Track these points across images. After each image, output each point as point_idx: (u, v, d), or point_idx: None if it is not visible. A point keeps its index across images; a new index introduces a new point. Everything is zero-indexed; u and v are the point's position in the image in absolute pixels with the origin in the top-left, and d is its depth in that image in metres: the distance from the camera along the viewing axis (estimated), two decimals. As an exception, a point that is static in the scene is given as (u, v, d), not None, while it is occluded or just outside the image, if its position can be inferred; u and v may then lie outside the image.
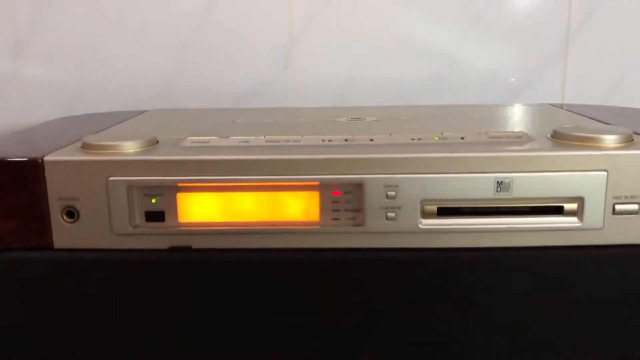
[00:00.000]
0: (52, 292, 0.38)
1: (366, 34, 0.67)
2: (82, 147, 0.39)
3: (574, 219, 0.36)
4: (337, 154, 0.36)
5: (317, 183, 0.36)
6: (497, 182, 0.35)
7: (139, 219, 0.37)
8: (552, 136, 0.39)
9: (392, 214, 0.36)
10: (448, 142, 0.38)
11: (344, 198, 0.37)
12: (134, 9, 0.66)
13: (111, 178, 0.37)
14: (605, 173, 0.35)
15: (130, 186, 0.37)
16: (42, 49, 0.68)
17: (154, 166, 0.37)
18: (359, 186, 0.36)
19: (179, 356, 0.38)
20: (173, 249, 0.37)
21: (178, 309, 0.38)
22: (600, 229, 0.36)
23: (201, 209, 0.37)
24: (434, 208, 0.36)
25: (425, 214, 0.36)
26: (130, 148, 0.38)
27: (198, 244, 0.37)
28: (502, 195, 0.36)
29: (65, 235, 0.38)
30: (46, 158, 0.37)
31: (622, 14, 0.66)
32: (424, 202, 0.36)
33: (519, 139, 0.39)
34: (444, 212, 0.36)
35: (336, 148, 0.38)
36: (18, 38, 0.67)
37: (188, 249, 0.37)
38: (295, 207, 0.37)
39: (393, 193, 0.36)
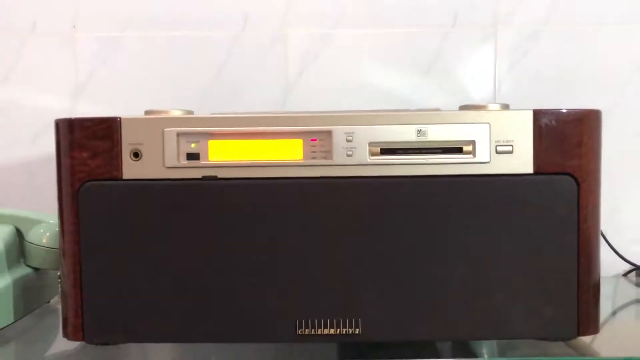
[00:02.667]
0: (122, 211, 0.56)
1: (344, 81, 0.88)
2: (145, 114, 0.58)
3: (470, 156, 0.55)
4: (315, 114, 0.56)
5: (301, 131, 0.55)
6: (417, 130, 0.54)
7: (182, 158, 0.56)
8: (458, 109, 0.58)
9: (351, 152, 0.55)
10: (388, 110, 0.58)
11: (319, 143, 0.55)
12: (166, 65, 0.88)
13: (166, 129, 0.55)
14: (488, 125, 0.54)
15: (178, 134, 0.55)
16: (96, 92, 0.88)
17: (195, 121, 0.56)
18: (328, 134, 0.55)
19: (211, 254, 0.55)
20: (204, 178, 0.56)
21: (208, 219, 0.55)
22: (488, 162, 0.55)
23: (224, 150, 0.56)
24: (378, 149, 0.55)
25: (372, 153, 0.55)
26: (176, 113, 0.57)
27: (221, 174, 0.56)
28: (421, 139, 0.55)
29: (131, 169, 0.56)
30: (123, 117, 0.56)
31: (536, 71, 0.88)
32: (371, 144, 0.55)
33: (436, 109, 0.58)
34: (384, 151, 0.55)
35: (315, 112, 0.57)
36: (77, 82, 0.88)
37: (214, 178, 0.55)
38: (287, 149, 0.55)
39: (351, 138, 0.55)
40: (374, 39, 0.88)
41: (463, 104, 0.59)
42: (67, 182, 0.57)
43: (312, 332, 0.56)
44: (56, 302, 0.78)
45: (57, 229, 0.69)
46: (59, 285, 0.80)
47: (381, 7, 0.88)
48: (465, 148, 0.55)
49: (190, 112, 0.59)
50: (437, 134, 0.55)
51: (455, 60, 0.88)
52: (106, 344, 0.58)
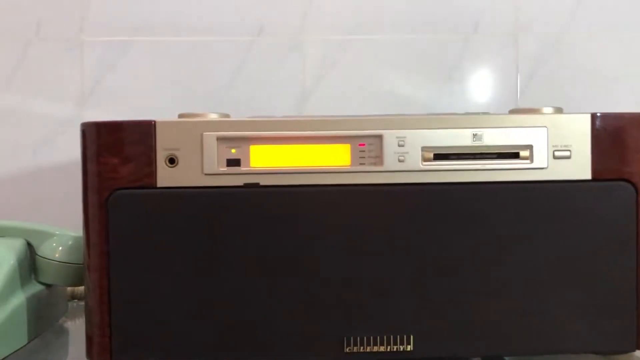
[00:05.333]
0: (155, 222, 0.52)
1: (363, 88, 0.85)
2: (178, 117, 0.54)
3: (527, 161, 0.52)
4: (364, 117, 0.53)
5: (349, 136, 0.52)
6: (473, 134, 0.52)
7: (222, 164, 0.52)
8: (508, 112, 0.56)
9: (402, 158, 0.52)
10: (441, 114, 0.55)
11: (368, 148, 0.52)
12: (178, 71, 0.84)
13: (205, 133, 0.52)
14: (545, 128, 0.52)
15: (218, 138, 0.52)
16: (102, 100, 0.84)
17: (235, 125, 0.52)
18: (379, 138, 0.52)
19: (253, 267, 0.51)
20: (246, 186, 0.52)
21: (249, 230, 0.52)
22: (546, 168, 0.52)
23: (266, 156, 0.52)
24: (431, 154, 0.52)
25: (425, 158, 0.52)
26: (213, 117, 0.54)
27: (264, 182, 0.52)
28: (476, 144, 0.52)
29: (166, 176, 0.52)
30: (158, 120, 0.52)
31: (558, 76, 0.86)
32: (424, 149, 0.52)
33: (485, 113, 0.56)
34: (437, 156, 0.52)
35: (363, 116, 0.54)
36: (84, 89, 0.84)
37: (257, 186, 0.52)
38: (333, 155, 0.52)
39: (403, 143, 0.52)
40: (393, 45, 0.85)
41: (485, 110, 0.56)
42: (95, 191, 0.53)
43: (361, 350, 0.52)
44: (64, 321, 0.73)
45: (70, 243, 0.65)
46: (68, 303, 0.75)
47: (400, 13, 0.85)
48: (522, 153, 0.52)
49: (227, 116, 0.56)
50: (493, 138, 0.52)
51: (476, 67, 0.85)
52: (135, 365, 0.54)
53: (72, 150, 0.84)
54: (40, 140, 0.84)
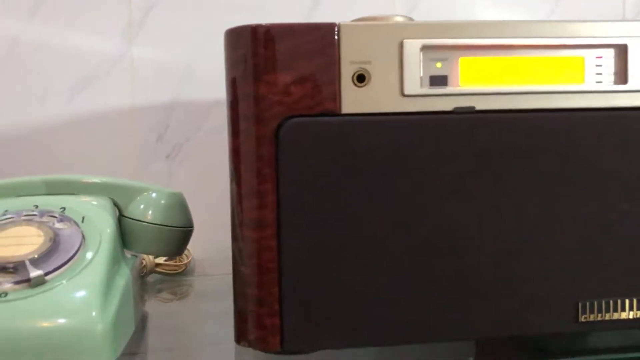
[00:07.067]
0: (340, 160, 0.39)
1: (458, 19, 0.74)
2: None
3: None
4: (602, 22, 0.41)
5: (583, 45, 0.41)
6: None
7: (425, 84, 0.40)
8: None
9: (651, 74, 0.41)
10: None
11: (606, 62, 0.41)
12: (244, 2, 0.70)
13: (406, 40, 0.39)
14: None
15: (424, 47, 0.39)
16: (153, 32, 0.69)
17: (444, 29, 0.40)
18: (622, 49, 0.41)
19: (466, 217, 0.40)
20: (457, 111, 0.40)
21: (462, 170, 0.40)
22: None
23: (480, 72, 0.40)
24: (682, 69, 0.42)
25: (678, 75, 0.41)
26: (399, 20, 0.41)
27: (479, 105, 0.40)
28: None
29: (354, 99, 0.39)
30: (343, 23, 0.39)
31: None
32: (675, 62, 0.41)
33: None
34: (692, 72, 0.42)
35: (600, 20, 0.42)
36: (131, 20, 0.68)
37: (471, 110, 0.40)
38: (561, 70, 0.41)
39: (653, 54, 0.41)
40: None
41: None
42: (256, 120, 0.39)
43: (599, 318, 0.42)
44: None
45: (162, 201, 0.51)
46: (146, 279, 0.61)
47: None
48: None
49: (410, 20, 0.43)
50: None
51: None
52: (311, 351, 0.41)
53: (117, 94, 0.69)
54: (77, 83, 0.68)
